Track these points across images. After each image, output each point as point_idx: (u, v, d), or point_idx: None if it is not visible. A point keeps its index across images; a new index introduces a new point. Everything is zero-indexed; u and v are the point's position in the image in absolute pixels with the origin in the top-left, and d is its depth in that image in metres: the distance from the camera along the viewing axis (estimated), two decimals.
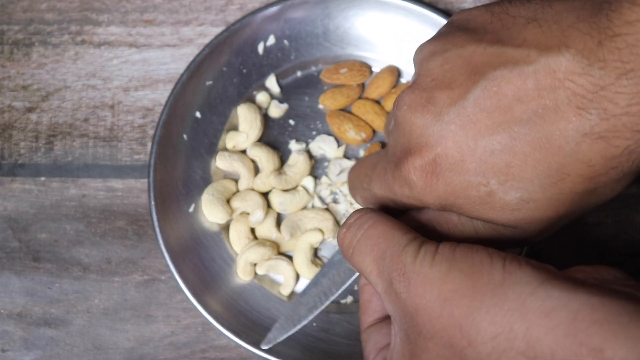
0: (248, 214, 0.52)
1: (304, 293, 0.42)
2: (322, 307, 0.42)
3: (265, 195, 0.53)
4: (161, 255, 0.50)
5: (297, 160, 0.52)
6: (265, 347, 0.44)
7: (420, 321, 0.30)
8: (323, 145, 0.53)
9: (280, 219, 0.53)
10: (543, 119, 0.28)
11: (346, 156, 0.53)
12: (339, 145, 0.53)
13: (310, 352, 0.49)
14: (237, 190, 0.53)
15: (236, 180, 0.53)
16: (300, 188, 0.53)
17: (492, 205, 0.31)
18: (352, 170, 0.42)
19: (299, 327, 0.43)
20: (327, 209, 0.52)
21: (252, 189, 0.52)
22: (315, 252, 0.52)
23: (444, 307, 0.29)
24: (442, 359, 0.29)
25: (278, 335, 0.42)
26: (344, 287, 0.41)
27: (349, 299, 0.52)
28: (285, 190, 0.52)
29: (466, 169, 0.31)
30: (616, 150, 0.28)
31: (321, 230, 0.51)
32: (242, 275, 0.51)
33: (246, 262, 0.51)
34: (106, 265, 0.53)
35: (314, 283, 0.42)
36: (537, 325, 0.27)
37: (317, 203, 0.53)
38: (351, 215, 0.35)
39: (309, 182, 0.52)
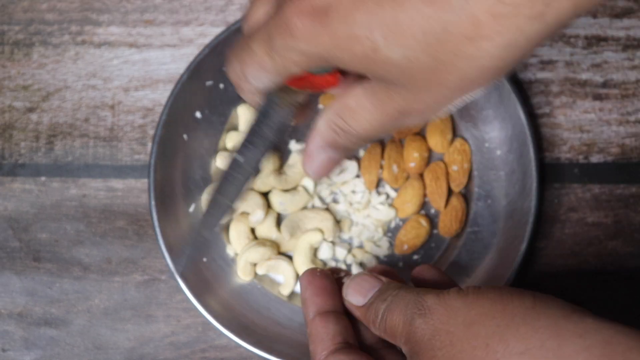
0: (248, 214, 0.52)
1: (205, 213, 0.39)
2: (220, 223, 0.40)
3: (265, 195, 0.53)
4: (161, 255, 0.51)
5: (297, 160, 0.52)
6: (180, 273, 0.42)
7: (437, 345, 0.31)
8: None
9: (280, 218, 0.53)
10: None
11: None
12: None
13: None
14: None
15: None
16: (300, 188, 0.53)
17: (375, 60, 0.29)
18: (234, 55, 0.36)
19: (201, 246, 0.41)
20: (327, 209, 0.52)
21: (252, 189, 0.53)
22: (315, 252, 0.52)
23: (469, 329, 0.30)
24: None
25: (182, 263, 0.42)
26: (238, 200, 0.39)
27: None
28: (285, 190, 0.52)
29: (353, 20, 0.29)
30: (504, 8, 0.26)
31: (321, 230, 0.51)
32: (242, 275, 0.51)
33: (246, 262, 0.51)
34: (106, 265, 0.53)
35: (213, 203, 0.39)
36: (570, 343, 0.27)
37: (317, 203, 0.53)
38: (382, 298, 0.35)
39: (309, 182, 0.53)
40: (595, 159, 0.53)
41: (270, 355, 0.49)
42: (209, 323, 0.49)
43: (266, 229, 0.52)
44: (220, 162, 0.52)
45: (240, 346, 0.49)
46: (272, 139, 0.37)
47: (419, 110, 0.32)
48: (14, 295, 0.53)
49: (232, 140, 0.53)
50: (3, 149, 0.55)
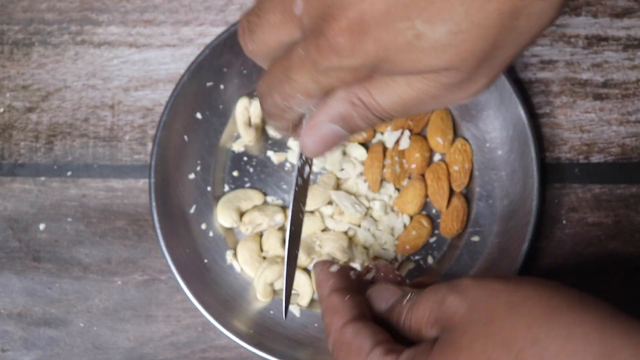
0: (258, 234, 0.53)
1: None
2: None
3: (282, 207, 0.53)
4: (161, 255, 0.50)
5: (322, 183, 0.52)
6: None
7: (474, 318, 0.32)
8: None
9: (285, 237, 0.53)
10: None
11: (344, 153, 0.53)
12: None
13: (311, 352, 0.49)
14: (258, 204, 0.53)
15: (264, 192, 0.54)
16: (317, 213, 0.52)
17: (422, 48, 0.29)
18: (262, 78, 0.37)
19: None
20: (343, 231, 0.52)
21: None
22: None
23: (512, 309, 0.32)
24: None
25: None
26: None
27: None
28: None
29: (392, 17, 0.29)
30: None
31: (332, 256, 0.52)
32: (262, 298, 0.51)
33: (265, 284, 0.51)
34: (106, 265, 0.53)
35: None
36: (616, 338, 0.29)
37: (330, 225, 0.52)
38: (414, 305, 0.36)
39: (326, 209, 0.52)
40: (595, 159, 0.53)
41: (270, 355, 0.48)
42: (209, 323, 0.49)
43: (273, 246, 0.52)
44: (237, 146, 0.54)
45: (240, 346, 0.49)
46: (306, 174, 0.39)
47: (463, 94, 0.32)
48: (14, 296, 0.53)
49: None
50: (3, 149, 0.55)
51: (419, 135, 0.53)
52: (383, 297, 0.39)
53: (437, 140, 0.52)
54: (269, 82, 0.35)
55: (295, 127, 0.37)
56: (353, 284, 0.40)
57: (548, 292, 0.32)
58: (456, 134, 0.53)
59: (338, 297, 0.38)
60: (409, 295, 0.37)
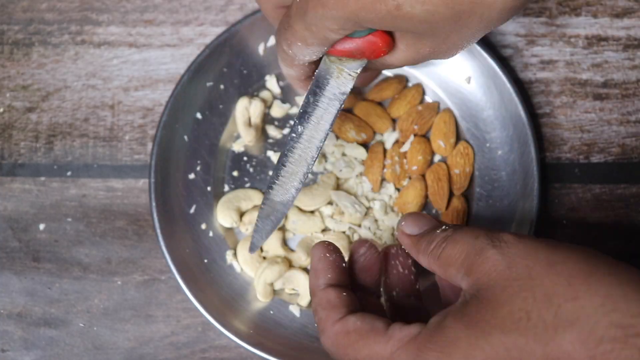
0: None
1: (270, 188, 0.42)
2: (294, 195, 0.42)
3: None
4: (161, 255, 0.50)
5: (326, 180, 0.52)
6: (251, 253, 0.43)
7: (513, 276, 0.33)
8: None
9: (285, 237, 0.53)
10: None
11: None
12: (337, 139, 0.53)
13: (311, 352, 0.49)
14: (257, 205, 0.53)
15: (264, 192, 0.54)
16: (317, 213, 0.52)
17: (400, 17, 0.33)
18: (277, 36, 0.41)
19: (278, 223, 0.43)
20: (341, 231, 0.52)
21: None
22: None
23: (552, 267, 0.33)
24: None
25: (260, 238, 0.43)
26: (307, 171, 0.41)
27: None
28: (302, 211, 0.52)
29: None
30: None
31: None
32: (262, 298, 0.51)
33: (265, 284, 0.51)
34: (106, 265, 0.53)
35: (276, 176, 0.42)
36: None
37: (330, 225, 0.52)
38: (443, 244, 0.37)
39: (326, 209, 0.52)
40: (595, 159, 0.53)
41: (270, 355, 0.48)
42: (209, 323, 0.49)
43: (273, 247, 0.52)
44: (237, 146, 0.54)
45: (240, 346, 0.49)
46: (332, 106, 0.40)
47: (445, 49, 0.37)
48: (14, 296, 0.53)
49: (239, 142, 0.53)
50: (2, 149, 0.55)
51: (423, 137, 0.53)
52: (417, 223, 0.39)
53: (439, 144, 0.52)
54: (278, 29, 0.39)
55: (306, 79, 0.42)
56: (348, 279, 0.40)
57: (586, 254, 0.33)
58: (459, 137, 0.53)
59: (335, 292, 0.38)
60: (444, 227, 0.38)
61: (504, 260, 0.33)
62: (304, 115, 0.41)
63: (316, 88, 0.40)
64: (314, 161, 0.41)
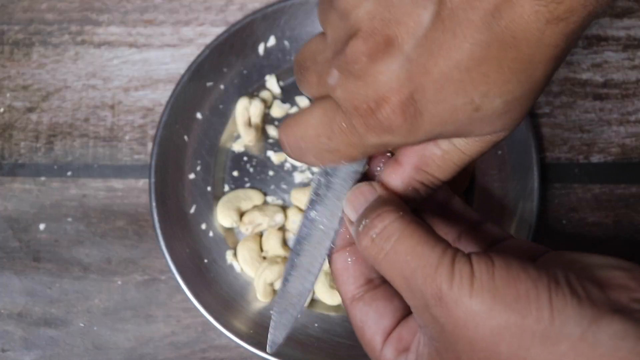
0: (258, 234, 0.53)
1: (286, 280, 0.39)
2: (311, 287, 0.39)
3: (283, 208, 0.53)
4: (161, 255, 0.50)
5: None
6: (270, 351, 0.42)
7: (459, 349, 0.30)
8: None
9: (285, 237, 0.53)
10: (501, 17, 0.28)
11: None
12: None
13: (311, 353, 0.49)
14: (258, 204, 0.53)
15: (264, 192, 0.54)
16: None
17: (480, 119, 0.31)
18: (292, 133, 0.35)
19: (296, 317, 0.39)
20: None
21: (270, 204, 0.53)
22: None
23: (489, 343, 0.29)
24: None
25: (279, 334, 0.40)
26: (324, 260, 0.38)
27: None
28: (302, 211, 0.52)
29: (447, 94, 0.30)
30: (574, 25, 0.29)
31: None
32: (262, 298, 0.51)
33: (265, 284, 0.51)
34: (106, 265, 0.53)
35: (291, 266, 0.39)
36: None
37: None
38: (373, 222, 0.33)
39: None
40: (595, 159, 0.53)
41: (270, 355, 0.48)
42: (209, 323, 0.49)
43: (273, 247, 0.52)
44: (237, 146, 0.53)
45: (240, 346, 0.49)
46: (346, 187, 0.36)
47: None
48: (14, 296, 0.53)
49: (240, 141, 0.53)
50: (3, 149, 0.55)
51: None
52: (356, 202, 0.35)
53: None
54: (302, 144, 0.35)
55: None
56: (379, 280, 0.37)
57: (519, 315, 0.29)
58: None
59: (367, 308, 0.35)
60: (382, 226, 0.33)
61: (448, 328, 0.30)
62: (317, 199, 0.37)
63: (328, 169, 0.36)
64: (331, 248, 0.37)
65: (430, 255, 0.30)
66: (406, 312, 0.35)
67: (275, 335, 0.39)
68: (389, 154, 0.36)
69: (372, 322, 0.35)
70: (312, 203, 0.37)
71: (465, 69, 0.29)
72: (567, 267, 0.30)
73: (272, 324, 0.39)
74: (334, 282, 0.37)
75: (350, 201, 0.35)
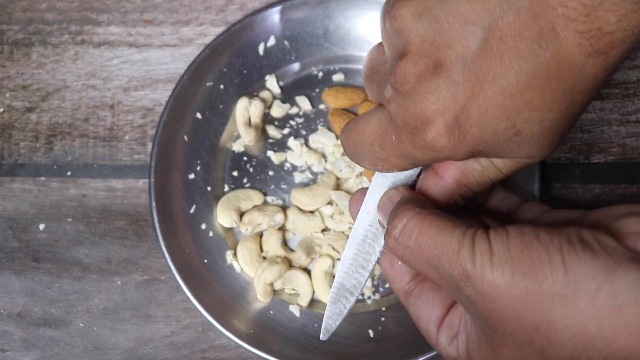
0: (258, 234, 0.53)
1: (342, 273, 0.41)
2: (364, 282, 0.40)
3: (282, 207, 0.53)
4: (161, 255, 0.50)
5: (325, 181, 0.52)
6: (323, 339, 0.42)
7: (494, 322, 0.31)
8: (323, 140, 0.53)
9: (285, 237, 0.53)
10: (547, 48, 0.30)
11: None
12: (337, 139, 0.53)
13: (312, 353, 0.49)
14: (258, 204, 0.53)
15: (264, 192, 0.54)
16: (317, 213, 0.52)
17: (519, 142, 0.32)
18: (351, 137, 0.38)
19: (349, 309, 0.41)
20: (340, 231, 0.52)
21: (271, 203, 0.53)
22: (332, 273, 0.52)
23: (516, 311, 0.30)
24: (522, 353, 0.31)
25: (332, 323, 0.41)
26: (377, 258, 0.40)
27: None
28: (302, 211, 0.52)
29: (490, 118, 0.31)
30: (614, 59, 0.30)
31: (330, 256, 0.52)
32: (262, 298, 0.51)
33: (265, 284, 0.51)
34: (106, 265, 0.53)
35: (347, 261, 0.41)
36: (609, 323, 0.28)
37: (330, 224, 0.52)
38: (393, 222, 0.34)
39: (327, 209, 0.52)
40: (595, 159, 0.53)
41: (270, 355, 0.48)
42: (209, 323, 0.49)
43: (273, 247, 0.52)
44: (237, 146, 0.54)
45: (240, 346, 0.49)
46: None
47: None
48: (14, 296, 0.53)
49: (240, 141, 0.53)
50: (2, 149, 0.55)
51: None
52: (384, 208, 0.37)
53: None
54: (357, 150, 0.37)
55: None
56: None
57: (536, 282, 0.30)
58: None
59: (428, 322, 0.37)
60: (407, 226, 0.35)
61: (481, 305, 0.32)
62: (372, 201, 0.39)
63: (382, 180, 0.39)
64: (384, 246, 0.39)
65: (451, 240, 0.32)
66: (454, 300, 0.37)
67: (329, 323, 0.41)
68: None
69: (424, 314, 0.37)
70: (367, 204, 0.39)
71: (509, 95, 0.30)
72: (588, 224, 0.32)
73: (326, 313, 0.41)
74: (387, 278, 0.39)
75: (380, 207, 0.37)
